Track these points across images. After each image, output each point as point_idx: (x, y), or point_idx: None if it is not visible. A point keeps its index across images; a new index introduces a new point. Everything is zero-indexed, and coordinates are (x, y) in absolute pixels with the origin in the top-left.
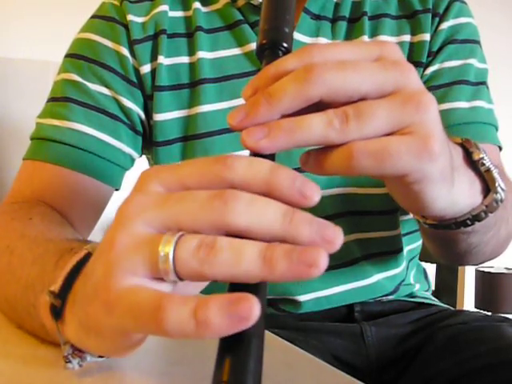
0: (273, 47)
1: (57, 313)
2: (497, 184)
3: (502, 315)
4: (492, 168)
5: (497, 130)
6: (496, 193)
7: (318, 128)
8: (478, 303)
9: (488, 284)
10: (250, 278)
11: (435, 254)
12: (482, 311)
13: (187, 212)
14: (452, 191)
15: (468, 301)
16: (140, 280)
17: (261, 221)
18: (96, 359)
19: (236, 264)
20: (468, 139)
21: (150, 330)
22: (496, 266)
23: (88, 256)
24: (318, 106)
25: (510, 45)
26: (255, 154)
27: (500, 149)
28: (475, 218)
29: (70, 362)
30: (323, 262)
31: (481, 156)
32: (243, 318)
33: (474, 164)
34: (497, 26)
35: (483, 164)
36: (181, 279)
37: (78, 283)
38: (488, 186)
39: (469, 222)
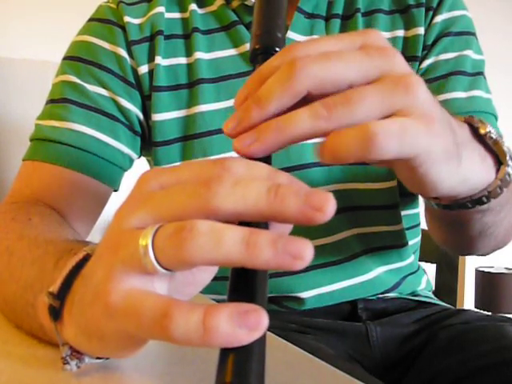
0: (265, 52)
1: (55, 314)
2: (508, 157)
3: (503, 315)
4: (500, 140)
5: (496, 119)
6: (508, 165)
7: (306, 121)
8: (478, 303)
9: (488, 284)
10: (230, 262)
11: (445, 241)
12: (482, 311)
13: (174, 203)
14: (461, 168)
15: (468, 301)
16: (137, 281)
17: (246, 200)
18: (94, 361)
19: (215, 247)
20: (471, 116)
21: (154, 336)
22: (496, 265)
23: (87, 257)
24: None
25: (509, 44)
26: (251, 159)
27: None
28: (491, 194)
29: (67, 363)
30: (309, 254)
31: (487, 130)
32: (254, 329)
33: (481, 139)
34: (497, 26)
35: (491, 137)
36: (168, 270)
37: (77, 285)
38: (499, 161)
39: (484, 199)
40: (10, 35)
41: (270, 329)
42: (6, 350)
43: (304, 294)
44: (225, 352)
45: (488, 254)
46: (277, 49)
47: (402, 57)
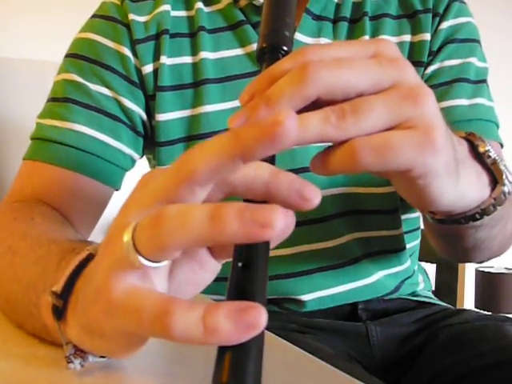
0: (273, 51)
1: (59, 313)
2: (504, 176)
3: (503, 315)
4: (498, 160)
5: (498, 127)
6: (504, 185)
7: (315, 125)
8: (478, 303)
9: (488, 284)
10: (200, 240)
11: (442, 251)
12: (482, 311)
13: (163, 188)
14: (458, 184)
15: (468, 301)
16: (134, 279)
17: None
18: (98, 359)
19: (183, 228)
20: (472, 133)
21: (154, 334)
22: (496, 266)
23: (90, 257)
24: (318, 107)
25: (510, 45)
26: None
27: (501, 146)
28: (484, 211)
29: (71, 362)
30: (278, 222)
31: (486, 148)
32: (252, 326)
33: (480, 157)
34: (497, 26)
35: (489, 156)
36: (155, 261)
37: (80, 284)
38: (495, 179)
39: (478, 215)
40: (9, 35)
41: (270, 329)
42: (7, 350)
43: (305, 297)
44: (222, 351)
45: (484, 262)
46: (284, 48)
47: (413, 68)
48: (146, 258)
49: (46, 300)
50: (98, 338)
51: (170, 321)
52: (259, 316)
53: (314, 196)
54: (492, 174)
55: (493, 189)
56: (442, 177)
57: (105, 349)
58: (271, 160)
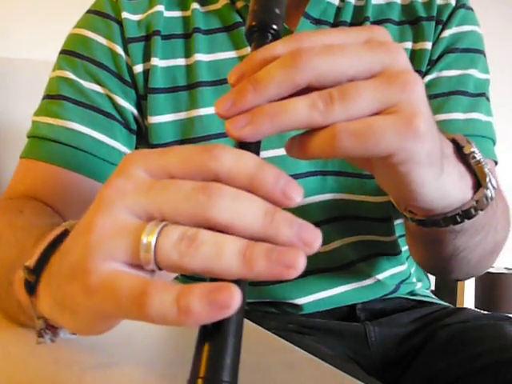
0: (262, 29)
1: (31, 288)
2: (488, 179)
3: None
4: (483, 162)
5: (494, 143)
6: (487, 188)
7: (302, 111)
8: (478, 303)
9: (488, 284)
10: (228, 274)
11: (419, 259)
12: (482, 311)
13: (170, 202)
14: (441, 180)
15: (468, 300)
16: (119, 265)
17: (242, 218)
18: (69, 336)
19: (216, 259)
20: (459, 135)
21: (131, 315)
22: (496, 265)
23: (65, 233)
24: (306, 90)
25: (509, 45)
26: (240, 143)
27: (496, 163)
28: (465, 214)
29: (42, 336)
30: (301, 263)
31: (472, 150)
32: (224, 306)
33: (464, 158)
34: (495, 26)
35: (474, 157)
36: (160, 269)
37: (54, 259)
38: (479, 183)
39: (458, 218)
40: (9, 35)
41: (268, 329)
42: (7, 350)
43: (301, 301)
44: (200, 345)
45: (464, 279)
46: (274, 26)
47: (404, 53)
48: (157, 264)
49: (18, 275)
50: (69, 314)
51: (146, 301)
52: (232, 297)
53: (296, 195)
54: (476, 177)
55: (475, 192)
56: (423, 165)
57: (75, 325)
58: (257, 144)
